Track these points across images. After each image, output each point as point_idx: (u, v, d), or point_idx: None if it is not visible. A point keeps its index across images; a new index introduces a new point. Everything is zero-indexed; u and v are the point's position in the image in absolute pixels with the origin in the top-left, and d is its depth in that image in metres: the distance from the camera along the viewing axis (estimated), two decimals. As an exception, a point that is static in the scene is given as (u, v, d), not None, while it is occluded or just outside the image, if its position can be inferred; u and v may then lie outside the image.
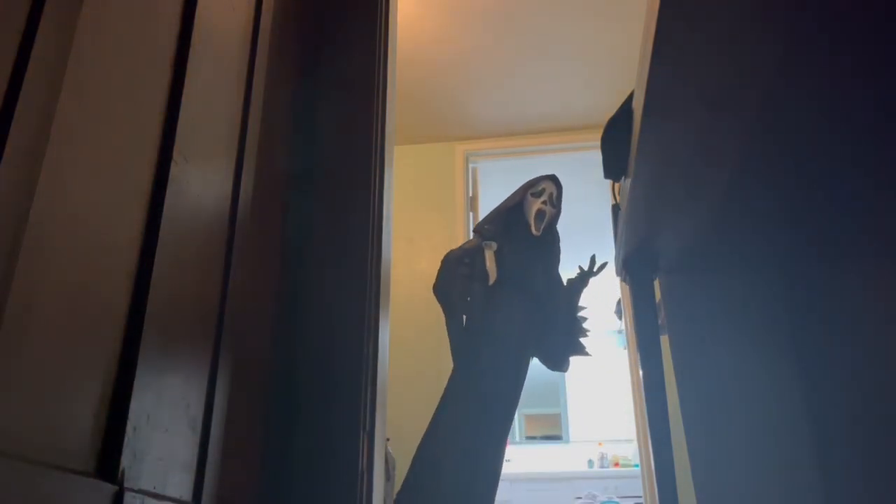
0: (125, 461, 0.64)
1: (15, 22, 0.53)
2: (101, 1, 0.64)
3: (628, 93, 1.14)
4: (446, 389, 2.56)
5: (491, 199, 4.06)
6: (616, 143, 1.17)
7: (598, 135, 1.26)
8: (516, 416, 7.19)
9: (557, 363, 2.77)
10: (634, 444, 4.55)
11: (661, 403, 1.31)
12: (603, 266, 2.77)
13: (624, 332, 3.90)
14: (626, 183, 1.17)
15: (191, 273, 0.83)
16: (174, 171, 0.76)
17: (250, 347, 1.09)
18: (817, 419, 1.35)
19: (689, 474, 1.37)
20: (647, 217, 1.22)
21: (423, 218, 3.84)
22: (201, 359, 0.86)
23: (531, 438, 7.02)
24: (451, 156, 4.02)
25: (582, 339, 2.80)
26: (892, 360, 1.08)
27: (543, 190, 2.78)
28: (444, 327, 2.67)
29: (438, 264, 2.75)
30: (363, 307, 1.30)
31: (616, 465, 6.31)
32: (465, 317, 2.63)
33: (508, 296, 2.63)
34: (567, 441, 6.79)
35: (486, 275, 2.64)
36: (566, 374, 7.04)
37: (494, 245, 2.70)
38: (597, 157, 1.31)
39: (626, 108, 1.14)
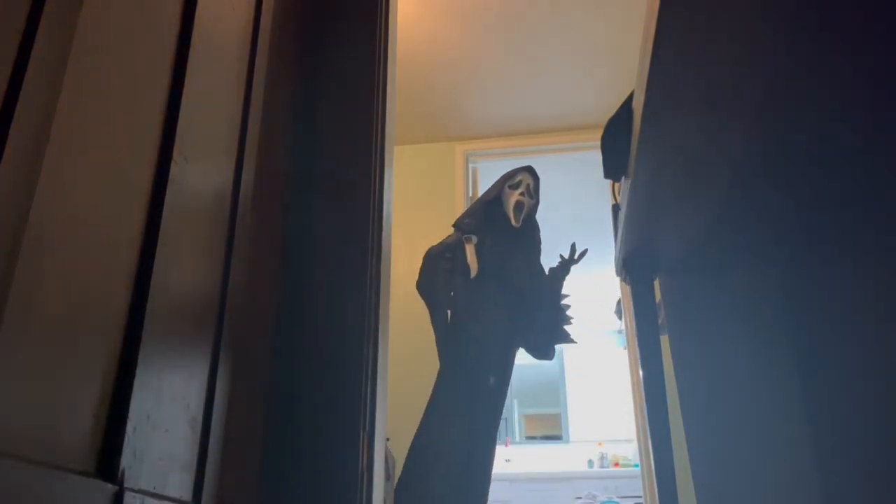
0: (125, 461, 0.64)
1: (15, 22, 0.53)
2: (101, 1, 0.64)
3: (628, 93, 1.14)
4: (434, 386, 2.57)
5: (491, 199, 4.07)
6: (616, 143, 1.17)
7: (598, 135, 1.26)
8: (516, 416, 7.22)
9: (543, 352, 2.79)
10: (634, 444, 4.55)
11: (661, 403, 1.31)
12: (583, 253, 2.81)
13: (624, 332, 3.89)
14: (626, 183, 1.17)
15: (191, 273, 0.83)
16: (174, 171, 0.76)
17: (250, 347, 1.09)
18: (817, 419, 1.35)
19: (689, 474, 1.37)
20: (647, 217, 1.22)
21: (423, 218, 3.84)
22: (201, 358, 0.86)
23: (531, 438, 7.02)
24: (451, 156, 4.02)
25: (566, 327, 2.81)
26: (892, 360, 1.08)
27: (521, 181, 2.81)
28: None
29: (437, 264, 2.77)
30: (363, 307, 1.30)
31: (616, 465, 6.31)
32: (449, 312, 2.65)
33: (491, 288, 2.65)
34: (567, 441, 6.79)
35: (467, 268, 2.67)
36: (566, 374, 7.06)
37: (475, 238, 2.72)
38: (597, 157, 1.31)
39: (626, 108, 1.14)
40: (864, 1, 0.72)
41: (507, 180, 2.82)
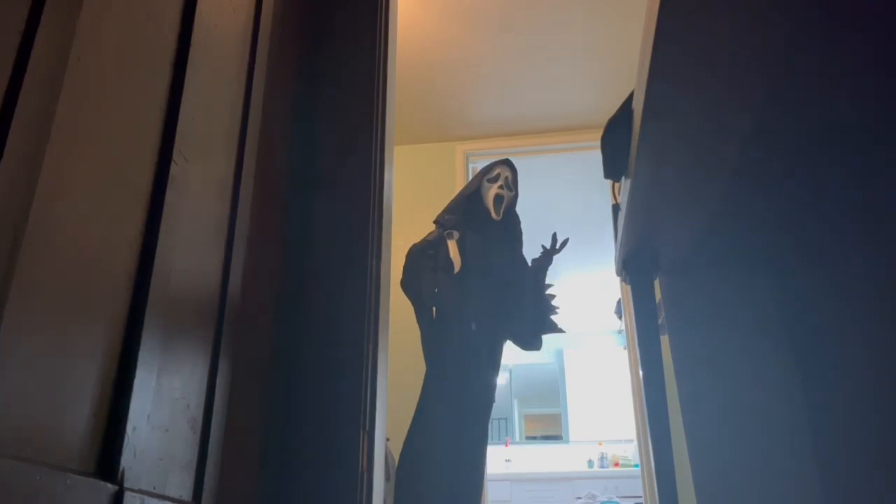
0: (125, 461, 0.64)
1: (15, 22, 0.53)
2: (101, 1, 0.64)
3: (628, 93, 1.14)
4: (422, 387, 2.58)
5: (491, 199, 4.07)
6: (616, 143, 1.17)
7: (598, 135, 1.26)
8: (516, 416, 7.22)
9: (529, 342, 2.81)
10: (634, 444, 4.54)
11: (661, 403, 1.31)
12: (564, 243, 2.83)
13: (624, 332, 3.89)
14: (626, 183, 1.17)
15: (190, 273, 0.83)
16: (174, 171, 0.76)
17: (250, 347, 1.09)
18: (817, 419, 1.35)
19: (689, 474, 1.37)
20: (647, 217, 1.22)
21: (423, 218, 3.84)
22: (201, 359, 0.86)
23: (531, 438, 7.03)
24: (451, 156, 4.02)
25: (552, 317, 2.83)
26: (892, 360, 1.08)
27: (499, 174, 2.84)
28: None
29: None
30: (363, 307, 1.30)
31: (616, 465, 6.31)
32: (434, 309, 2.65)
33: (475, 282, 2.66)
34: (567, 441, 6.79)
35: (450, 264, 2.68)
36: (566, 374, 7.06)
37: (456, 234, 2.74)
38: (597, 157, 1.31)
39: (626, 109, 1.14)
40: (865, 4, 0.72)
41: (485, 174, 2.85)
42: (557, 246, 2.82)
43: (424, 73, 3.50)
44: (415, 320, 2.77)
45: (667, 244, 1.35)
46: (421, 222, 3.84)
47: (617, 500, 5.39)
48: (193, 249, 0.84)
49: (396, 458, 2.50)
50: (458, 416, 2.49)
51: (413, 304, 2.69)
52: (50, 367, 0.55)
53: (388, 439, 2.05)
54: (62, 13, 0.57)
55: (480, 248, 2.72)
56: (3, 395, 0.49)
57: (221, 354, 0.90)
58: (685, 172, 1.07)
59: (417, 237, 3.17)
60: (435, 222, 2.88)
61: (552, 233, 2.86)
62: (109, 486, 0.61)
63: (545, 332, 2.82)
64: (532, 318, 2.79)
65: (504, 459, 6.57)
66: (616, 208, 1.47)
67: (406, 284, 2.72)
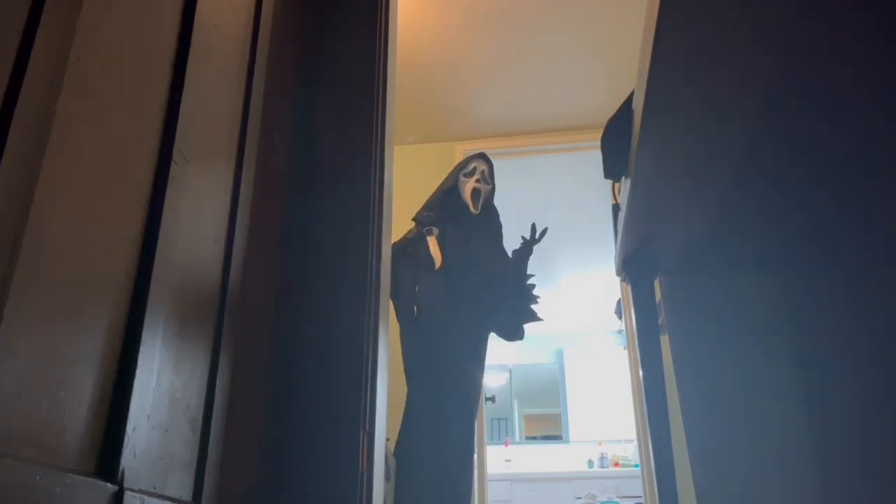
0: (125, 461, 0.64)
1: (15, 22, 0.53)
2: (101, 1, 0.64)
3: (628, 93, 1.14)
4: (408, 385, 2.58)
5: (491, 199, 4.07)
6: (616, 143, 1.17)
7: (598, 135, 1.26)
8: (516, 416, 7.21)
9: (512, 332, 2.83)
10: (634, 444, 4.54)
11: (661, 403, 1.31)
12: (544, 232, 2.85)
13: (624, 332, 3.89)
14: (626, 183, 1.17)
15: (190, 273, 0.83)
16: (174, 171, 0.76)
17: (250, 347, 1.09)
18: (817, 419, 1.35)
19: (689, 474, 1.37)
20: (647, 217, 1.22)
21: (423, 218, 3.84)
22: (201, 359, 0.86)
23: (531, 438, 7.02)
24: (451, 156, 4.02)
25: (532, 306, 2.85)
26: (892, 360, 1.08)
27: (475, 168, 2.85)
28: None
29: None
30: (363, 307, 1.30)
31: (616, 465, 6.31)
32: (416, 307, 2.65)
33: (457, 277, 2.66)
34: (567, 441, 6.79)
35: (431, 261, 2.68)
36: (566, 374, 7.06)
37: (436, 230, 2.75)
38: (597, 157, 1.31)
39: (626, 109, 1.14)
40: (862, 2, 0.72)
41: (461, 169, 2.87)
42: (537, 236, 2.84)
43: (424, 72, 3.49)
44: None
45: (667, 244, 1.35)
46: (421, 222, 3.84)
47: (617, 500, 5.39)
48: (193, 249, 0.84)
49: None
50: (443, 413, 2.49)
51: (392, 302, 2.70)
52: (50, 367, 0.55)
53: (387, 439, 2.05)
54: (62, 13, 0.57)
55: (461, 243, 2.73)
56: (2, 394, 0.49)
57: (221, 354, 0.90)
58: (685, 172, 1.07)
59: (417, 237, 3.16)
60: (414, 219, 2.88)
61: (531, 223, 2.88)
62: (109, 486, 0.61)
63: (526, 322, 2.83)
64: (514, 309, 2.80)
65: (504, 459, 6.57)
66: (616, 208, 1.47)
67: None
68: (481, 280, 2.72)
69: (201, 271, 0.87)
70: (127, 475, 0.64)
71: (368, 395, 1.26)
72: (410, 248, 2.76)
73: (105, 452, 0.62)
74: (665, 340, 1.47)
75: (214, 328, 0.90)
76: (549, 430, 7.01)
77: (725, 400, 1.42)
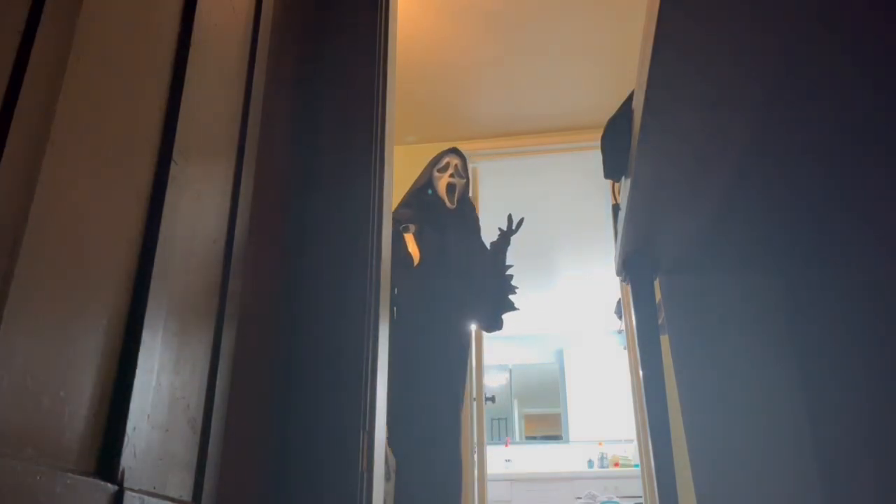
0: (125, 461, 0.64)
1: (15, 22, 0.53)
2: (101, 1, 0.64)
3: (628, 93, 1.14)
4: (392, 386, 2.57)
5: (491, 199, 4.07)
6: (616, 143, 1.17)
7: (598, 135, 1.26)
8: (516, 416, 7.21)
9: (492, 323, 2.84)
10: (634, 444, 4.54)
11: (661, 403, 1.31)
12: (520, 223, 2.86)
13: (624, 332, 3.89)
14: (626, 183, 1.17)
15: (190, 273, 0.83)
16: (174, 171, 0.76)
17: (250, 347, 1.09)
18: (817, 418, 1.35)
19: (689, 474, 1.37)
20: (647, 217, 1.22)
21: (423, 218, 3.84)
22: (201, 358, 0.86)
23: (531, 438, 7.02)
24: (451, 156, 4.02)
25: (511, 296, 2.87)
26: (892, 360, 1.08)
27: (448, 163, 2.87)
28: None
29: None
30: (363, 307, 1.30)
31: (616, 465, 6.31)
32: (395, 308, 2.65)
33: (436, 273, 2.67)
34: (567, 441, 6.79)
35: (410, 259, 2.69)
36: (566, 374, 7.06)
37: (413, 227, 2.75)
38: (597, 157, 1.31)
39: (626, 109, 1.14)
40: (864, 2, 0.72)
41: (435, 165, 2.88)
42: (514, 227, 2.86)
43: (425, 72, 3.49)
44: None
45: (667, 244, 1.35)
46: (421, 222, 3.84)
47: (617, 500, 5.39)
48: (193, 249, 0.84)
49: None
50: (429, 414, 2.49)
51: None
52: (50, 367, 0.55)
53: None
54: (62, 13, 0.57)
55: (438, 239, 2.74)
56: (2, 394, 0.49)
57: (221, 354, 0.90)
58: (685, 172, 1.07)
59: (417, 237, 3.16)
60: None
61: (507, 214, 2.89)
62: (109, 486, 0.61)
63: (505, 312, 2.84)
64: (493, 300, 2.82)
65: (504, 459, 6.57)
66: (616, 208, 1.47)
67: None
68: (460, 274, 2.73)
69: (201, 271, 0.87)
70: (127, 475, 0.64)
71: (368, 395, 1.26)
72: None
73: (105, 452, 0.62)
74: (665, 340, 1.47)
75: (214, 328, 0.90)
76: (549, 430, 7.01)
77: (725, 400, 1.42)
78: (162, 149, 0.76)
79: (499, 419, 7.03)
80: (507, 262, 2.89)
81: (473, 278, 2.76)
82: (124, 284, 0.68)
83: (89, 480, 0.59)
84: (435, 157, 2.93)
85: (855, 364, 1.21)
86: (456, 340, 2.64)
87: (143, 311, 0.69)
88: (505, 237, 2.87)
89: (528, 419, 7.18)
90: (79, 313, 0.60)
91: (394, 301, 2.66)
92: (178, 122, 0.78)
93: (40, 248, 0.54)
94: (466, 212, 2.90)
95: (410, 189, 2.93)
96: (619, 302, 3.76)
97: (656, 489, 1.28)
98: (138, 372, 0.67)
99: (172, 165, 0.76)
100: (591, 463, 6.43)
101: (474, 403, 3.50)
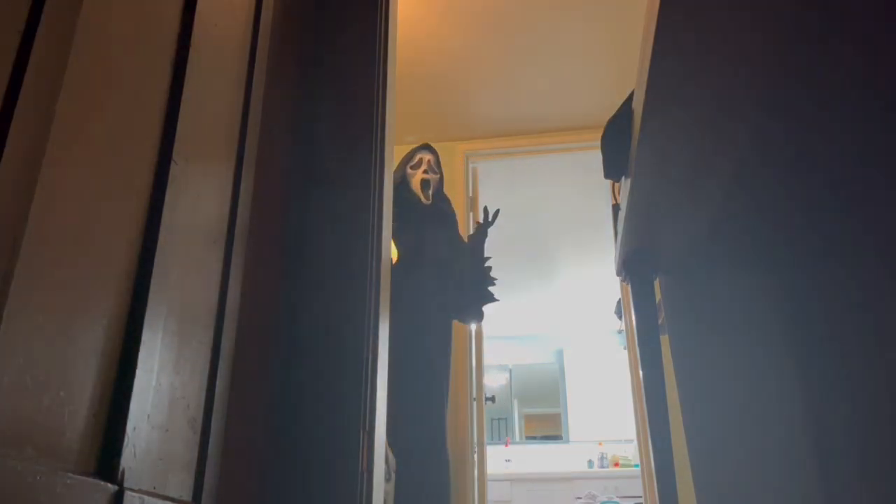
0: (125, 461, 0.64)
1: (15, 22, 0.53)
2: (101, 1, 0.64)
3: (628, 93, 1.14)
4: None
5: (491, 199, 4.07)
6: (616, 143, 1.17)
7: (598, 135, 1.26)
8: (516, 416, 7.20)
9: (472, 316, 2.86)
10: (634, 444, 4.54)
11: (661, 403, 1.31)
12: (496, 214, 2.89)
13: (624, 332, 3.89)
14: (626, 183, 1.17)
15: (190, 273, 0.83)
16: (174, 171, 0.76)
17: (250, 347, 1.10)
18: (817, 419, 1.35)
19: (689, 474, 1.37)
20: (648, 217, 1.22)
21: (423, 218, 3.84)
22: (201, 359, 0.86)
23: (531, 438, 7.03)
24: (451, 156, 4.02)
25: (490, 288, 2.88)
26: (892, 360, 1.08)
27: (421, 160, 2.89)
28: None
29: (437, 264, 2.78)
30: (363, 307, 1.30)
31: (616, 465, 6.31)
32: None
33: (415, 271, 2.67)
34: (567, 441, 6.79)
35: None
36: (566, 374, 7.06)
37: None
38: (597, 157, 1.31)
39: (626, 109, 1.14)
40: (866, 1, 0.72)
41: (407, 162, 2.90)
42: (490, 218, 2.88)
43: (425, 72, 3.49)
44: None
45: (667, 244, 1.35)
46: (421, 222, 3.84)
47: (617, 500, 5.39)
48: (193, 249, 0.84)
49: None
50: (414, 411, 2.48)
51: None
52: (50, 367, 0.55)
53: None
54: (62, 13, 0.57)
55: (417, 236, 2.75)
56: (2, 394, 0.49)
57: (221, 354, 0.90)
58: (685, 172, 1.07)
59: (417, 236, 3.16)
60: None
61: (484, 206, 2.91)
62: (109, 486, 0.61)
63: (484, 303, 2.85)
64: (472, 293, 2.83)
65: (504, 459, 6.57)
66: (616, 208, 1.47)
67: None
68: (439, 270, 2.73)
69: (201, 271, 0.87)
70: (127, 475, 0.64)
71: (368, 395, 1.26)
72: None
73: (105, 452, 0.62)
74: (665, 340, 1.47)
75: (214, 327, 0.90)
76: (548, 429, 7.01)
77: (725, 400, 1.42)
78: (162, 149, 0.76)
79: (499, 419, 7.03)
80: (486, 255, 2.90)
81: (452, 272, 2.77)
82: (124, 284, 0.68)
83: (89, 480, 0.59)
84: (407, 155, 2.93)
85: (855, 364, 1.21)
86: (438, 337, 2.64)
87: (144, 311, 0.69)
88: (483, 229, 2.89)
89: (528, 419, 7.18)
90: (79, 313, 0.60)
91: None
92: (178, 123, 0.78)
93: (40, 248, 0.54)
94: (442, 206, 2.90)
95: None
96: (619, 302, 3.77)
97: (656, 489, 1.28)
98: (138, 372, 0.67)
99: (172, 166, 0.76)
100: (591, 463, 6.43)
101: (474, 403, 3.49)
